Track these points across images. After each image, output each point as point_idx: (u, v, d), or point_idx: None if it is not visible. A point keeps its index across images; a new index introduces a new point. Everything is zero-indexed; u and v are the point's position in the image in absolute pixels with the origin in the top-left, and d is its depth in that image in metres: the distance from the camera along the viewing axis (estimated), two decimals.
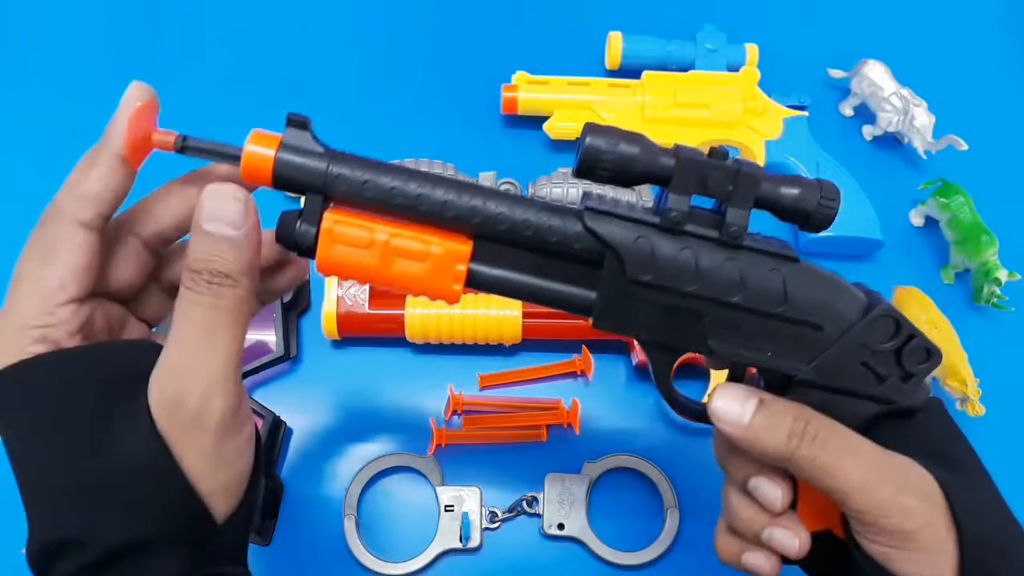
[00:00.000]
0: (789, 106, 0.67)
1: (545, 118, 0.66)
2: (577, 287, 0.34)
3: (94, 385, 0.31)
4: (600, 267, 0.34)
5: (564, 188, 0.61)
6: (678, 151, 0.32)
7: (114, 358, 0.32)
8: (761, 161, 0.65)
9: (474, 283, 0.34)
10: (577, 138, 0.65)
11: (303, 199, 0.34)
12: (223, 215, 0.31)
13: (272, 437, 0.55)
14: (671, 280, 0.33)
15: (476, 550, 0.55)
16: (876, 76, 0.68)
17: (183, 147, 0.33)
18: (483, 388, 0.59)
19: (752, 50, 0.69)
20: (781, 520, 0.36)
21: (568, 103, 0.66)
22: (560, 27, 0.73)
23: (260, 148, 0.32)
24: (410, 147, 0.65)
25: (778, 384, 0.35)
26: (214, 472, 0.32)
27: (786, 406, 0.34)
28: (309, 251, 0.33)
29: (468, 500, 0.55)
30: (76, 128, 0.66)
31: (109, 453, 0.31)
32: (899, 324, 0.34)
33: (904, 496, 0.32)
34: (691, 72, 0.68)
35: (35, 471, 0.32)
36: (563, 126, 0.65)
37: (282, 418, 0.57)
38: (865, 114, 0.70)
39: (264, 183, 0.33)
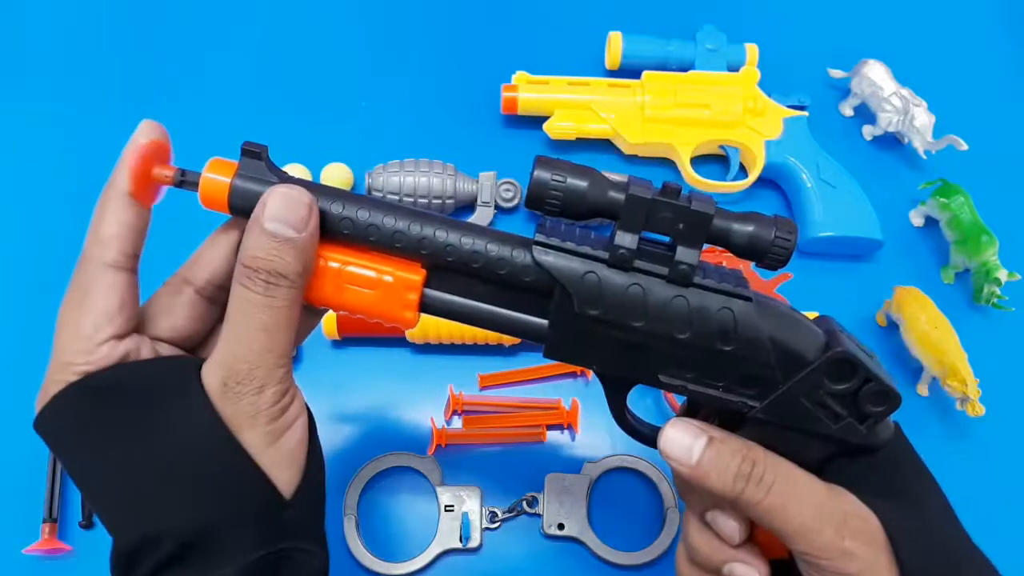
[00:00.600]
0: (789, 106, 0.67)
1: (545, 118, 0.66)
2: (530, 315, 0.34)
3: (136, 390, 0.32)
4: (551, 297, 0.33)
5: None
6: (628, 186, 0.32)
7: (154, 366, 0.34)
8: (761, 161, 0.65)
9: (428, 309, 0.35)
10: (577, 138, 0.66)
11: None
12: (287, 217, 0.31)
13: None
14: (619, 316, 0.33)
15: (476, 550, 0.55)
16: (876, 76, 0.68)
17: (182, 181, 0.33)
18: (483, 388, 0.59)
19: (752, 50, 0.69)
20: (740, 553, 0.36)
21: (568, 103, 0.66)
22: (560, 27, 0.73)
23: (216, 176, 0.33)
24: (410, 147, 0.65)
25: (731, 419, 0.35)
26: (271, 445, 0.33)
27: (735, 447, 0.34)
28: None
29: (468, 500, 0.55)
30: (76, 135, 0.67)
31: (167, 444, 0.32)
32: (855, 367, 0.33)
33: (845, 540, 0.32)
34: (691, 72, 0.68)
35: (96, 484, 0.33)
36: (563, 126, 0.65)
37: None
38: (865, 114, 0.70)
39: (221, 209, 0.33)
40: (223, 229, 0.36)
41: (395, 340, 0.59)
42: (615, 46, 0.69)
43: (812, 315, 0.38)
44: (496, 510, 0.55)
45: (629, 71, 0.68)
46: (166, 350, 0.35)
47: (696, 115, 0.65)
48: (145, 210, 0.34)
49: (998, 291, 0.60)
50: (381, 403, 0.59)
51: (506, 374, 0.59)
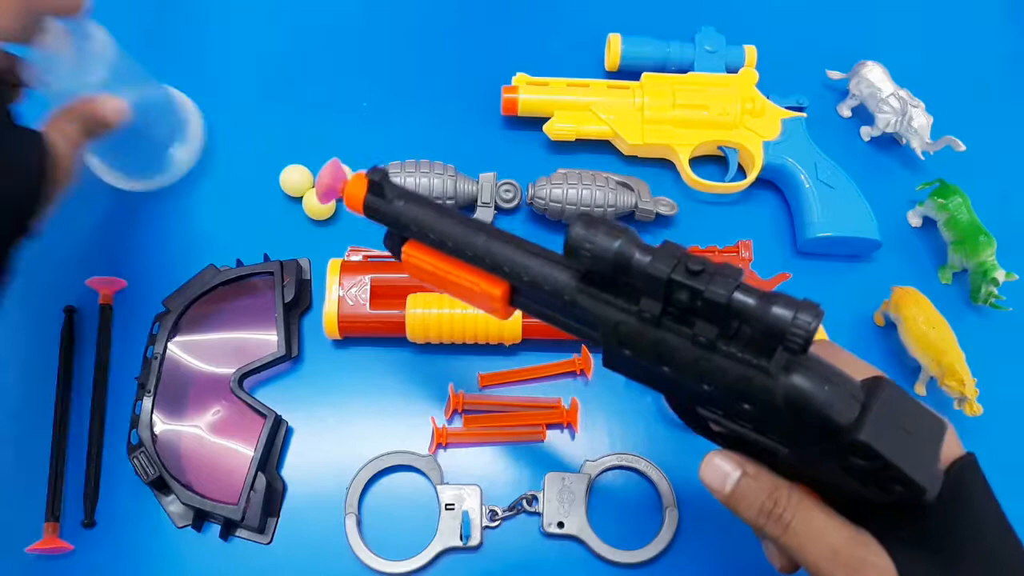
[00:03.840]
0: (787, 107, 0.67)
1: (545, 119, 0.66)
2: (594, 330, 0.37)
3: None
4: None
5: (564, 189, 0.62)
6: (653, 256, 0.33)
7: None
8: (759, 162, 0.65)
9: (518, 307, 0.41)
10: (577, 139, 0.66)
11: None
12: None
13: (273, 436, 0.56)
14: (649, 360, 0.35)
15: (476, 548, 0.55)
16: (874, 77, 0.68)
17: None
18: (483, 388, 0.60)
19: (751, 51, 0.69)
20: None
21: (568, 104, 0.66)
22: (560, 29, 0.73)
23: (355, 192, 0.41)
24: (411, 148, 0.65)
25: (766, 453, 0.36)
26: None
27: (764, 484, 0.36)
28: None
29: (468, 499, 0.55)
30: None
31: None
32: (875, 454, 0.31)
33: None
34: (690, 74, 0.68)
35: None
36: (563, 127, 0.66)
37: (283, 417, 0.57)
38: (863, 115, 0.70)
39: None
40: None
41: (395, 340, 0.59)
42: (614, 48, 0.69)
43: (868, 371, 0.36)
44: (496, 509, 0.55)
45: (628, 73, 0.69)
46: None
47: (695, 116, 0.65)
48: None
49: (996, 291, 0.60)
50: (381, 403, 0.59)
51: (506, 374, 0.60)
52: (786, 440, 0.35)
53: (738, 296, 0.31)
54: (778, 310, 0.30)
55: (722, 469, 0.37)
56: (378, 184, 0.40)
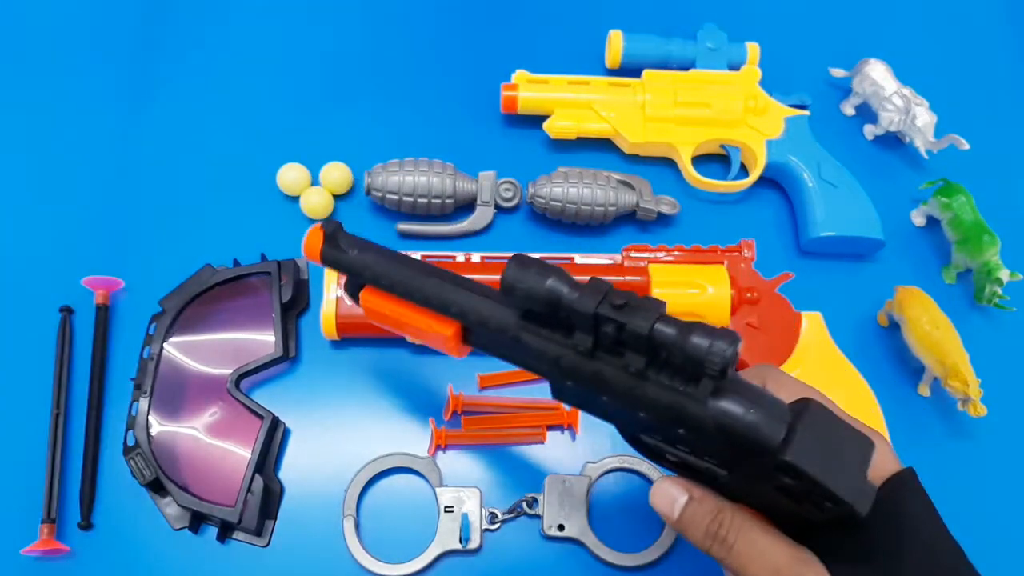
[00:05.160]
0: (790, 105, 0.67)
1: (545, 117, 0.66)
2: (540, 364, 0.39)
3: None
4: None
5: (564, 188, 0.61)
6: (579, 293, 0.35)
7: None
8: (762, 160, 0.64)
9: (472, 345, 0.43)
10: (577, 137, 0.66)
11: None
12: None
13: (271, 437, 0.55)
14: (590, 390, 0.37)
15: (476, 551, 0.54)
16: (878, 75, 0.67)
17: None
18: (483, 388, 0.59)
19: (753, 49, 0.68)
20: None
21: (568, 102, 0.66)
22: (560, 26, 0.73)
23: (312, 243, 0.44)
24: (410, 146, 0.65)
25: (709, 477, 0.37)
26: None
27: (707, 508, 0.37)
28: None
29: (468, 501, 0.55)
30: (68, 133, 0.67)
31: None
32: (799, 473, 0.32)
33: None
34: (692, 71, 0.67)
35: None
36: (563, 125, 0.65)
37: (281, 419, 0.57)
38: (866, 113, 0.70)
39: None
40: None
41: (395, 340, 0.59)
42: (615, 45, 0.69)
43: (805, 392, 0.37)
44: (496, 511, 0.55)
45: (630, 70, 0.68)
46: None
47: (697, 114, 0.65)
48: None
49: (1000, 291, 0.60)
50: (381, 403, 0.59)
51: (506, 374, 0.59)
52: (723, 463, 0.36)
53: (659, 327, 0.33)
54: (696, 339, 0.32)
55: (670, 494, 0.38)
56: (332, 236, 0.43)
